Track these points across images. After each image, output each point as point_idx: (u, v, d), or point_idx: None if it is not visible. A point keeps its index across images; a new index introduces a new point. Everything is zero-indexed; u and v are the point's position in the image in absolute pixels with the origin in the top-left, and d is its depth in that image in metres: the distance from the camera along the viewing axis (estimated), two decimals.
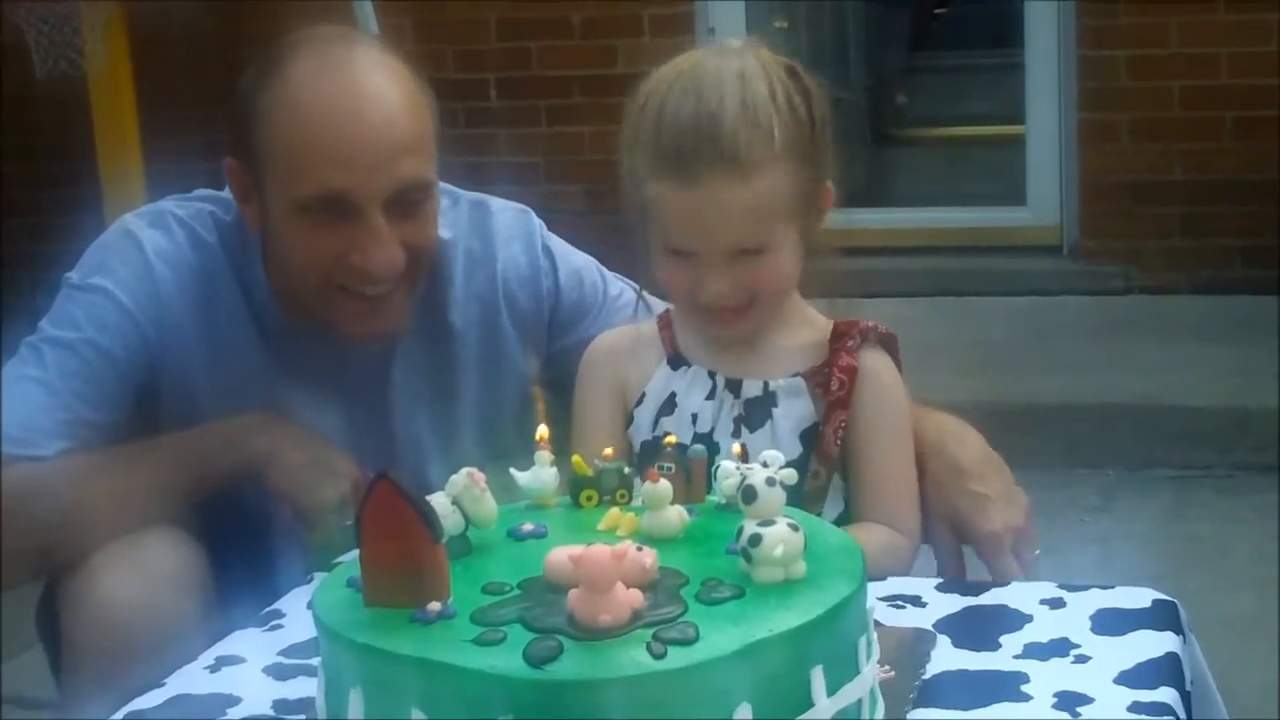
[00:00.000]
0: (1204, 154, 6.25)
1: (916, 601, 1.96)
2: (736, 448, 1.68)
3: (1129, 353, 5.65)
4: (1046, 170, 6.63)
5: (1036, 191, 6.68)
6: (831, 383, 2.15)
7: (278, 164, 2.26)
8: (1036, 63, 6.62)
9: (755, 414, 2.16)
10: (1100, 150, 6.39)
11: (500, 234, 2.54)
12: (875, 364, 2.19)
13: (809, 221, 2.14)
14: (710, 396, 2.18)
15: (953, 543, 2.27)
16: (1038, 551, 2.26)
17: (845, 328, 2.19)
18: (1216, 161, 6.23)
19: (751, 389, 2.17)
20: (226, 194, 2.44)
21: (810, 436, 2.15)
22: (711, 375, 2.19)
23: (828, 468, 2.15)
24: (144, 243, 2.37)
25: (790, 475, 1.55)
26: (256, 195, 2.31)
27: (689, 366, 2.21)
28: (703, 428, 2.16)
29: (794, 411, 2.16)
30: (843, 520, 2.14)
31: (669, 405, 2.20)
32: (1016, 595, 1.95)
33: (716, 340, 2.19)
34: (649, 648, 1.36)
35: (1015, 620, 1.88)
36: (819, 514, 2.12)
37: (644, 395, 2.22)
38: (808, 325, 2.22)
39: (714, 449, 2.06)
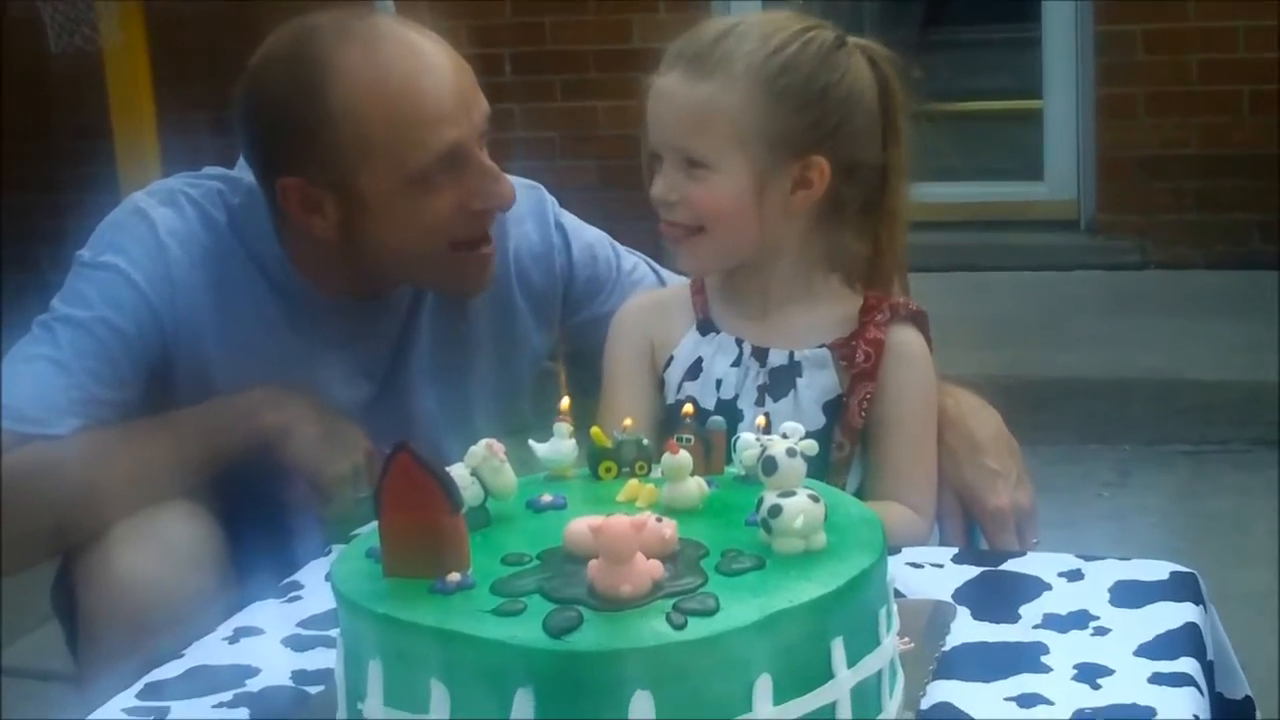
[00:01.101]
0: (1221, 128, 6.22)
1: (935, 564, 1.97)
2: (760, 419, 1.67)
3: (1145, 328, 5.64)
4: (1063, 145, 6.60)
5: (1053, 166, 6.66)
6: (857, 355, 2.15)
7: (375, 149, 2.23)
8: (1053, 37, 6.59)
9: (779, 383, 2.16)
10: (1117, 125, 6.36)
11: (512, 211, 2.53)
12: (905, 340, 2.18)
13: (781, 178, 2.11)
14: (736, 364, 2.18)
15: (959, 515, 2.27)
16: (1037, 540, 2.26)
17: (875, 302, 2.19)
18: (1234, 136, 6.20)
19: (777, 358, 2.17)
20: (235, 172, 2.43)
21: (834, 408, 2.15)
22: (739, 343, 2.19)
23: (852, 439, 2.15)
24: (155, 221, 2.37)
25: (811, 446, 1.54)
26: (336, 200, 2.28)
27: (718, 333, 2.21)
28: (726, 394, 2.16)
29: (818, 382, 2.16)
30: (861, 492, 2.14)
31: (695, 370, 2.20)
32: (1034, 565, 1.95)
33: (681, 267, 2.22)
34: (669, 618, 1.36)
35: (1034, 589, 1.88)
36: (844, 485, 2.12)
37: (672, 358, 2.22)
38: (838, 300, 2.22)
39: (737, 416, 2.09)
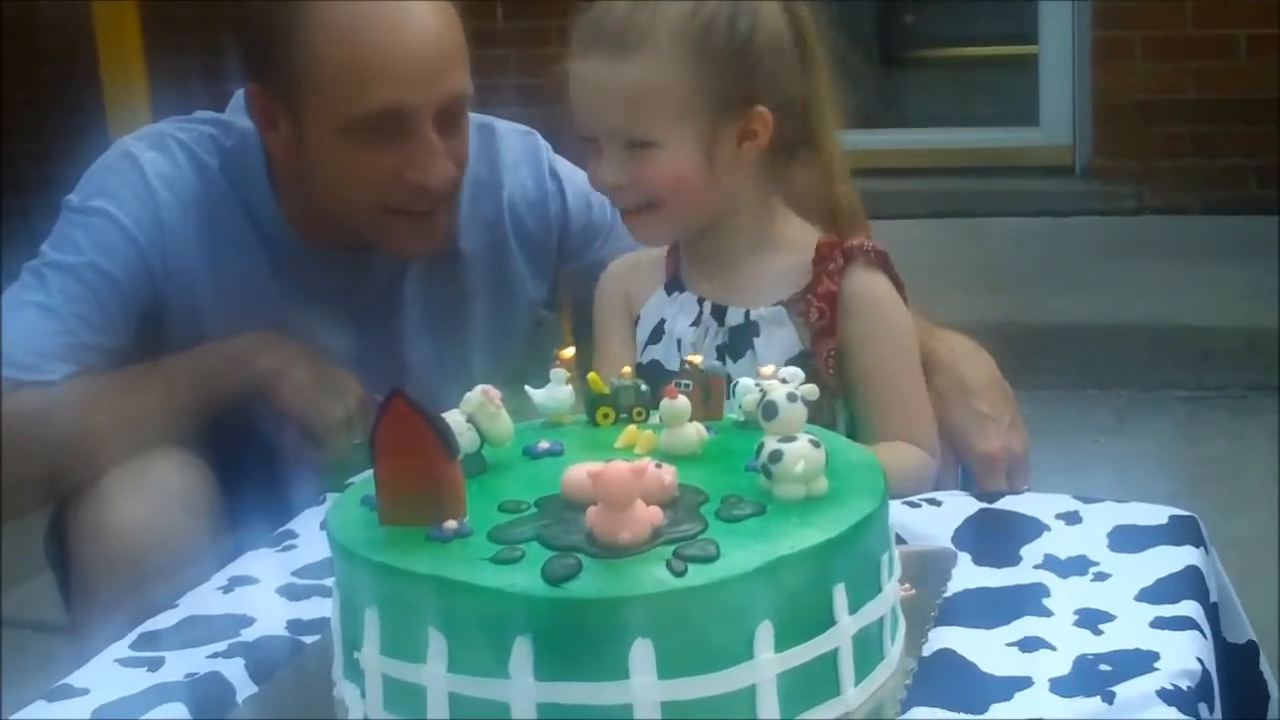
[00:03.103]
0: (1217, 72, 6.19)
1: (932, 502, 1.96)
2: (767, 369, 1.64)
3: (1141, 273, 5.62)
4: (1058, 90, 6.57)
5: (1048, 112, 6.63)
6: (811, 312, 2.11)
7: (322, 85, 2.22)
8: None
9: (738, 342, 2.14)
10: (1113, 69, 6.33)
11: (507, 158, 2.52)
12: (864, 285, 2.13)
13: (726, 136, 2.07)
14: (695, 323, 2.16)
15: (950, 458, 2.27)
16: (1028, 486, 2.25)
17: (827, 250, 2.13)
18: (1230, 80, 6.18)
19: (735, 317, 2.14)
20: (226, 116, 2.41)
21: (796, 365, 2.10)
22: (700, 302, 2.17)
23: (829, 399, 2.11)
24: (145, 165, 2.35)
25: (811, 390, 1.53)
26: (288, 120, 2.27)
27: (682, 292, 2.19)
28: (687, 353, 2.13)
29: (777, 340, 2.12)
30: None
31: (658, 331, 2.18)
32: (1032, 505, 1.94)
33: (639, 242, 2.19)
34: (669, 565, 1.34)
35: (1033, 530, 1.87)
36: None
37: (640, 316, 2.21)
38: (794, 247, 2.17)
39: None
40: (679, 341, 2.15)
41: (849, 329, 2.12)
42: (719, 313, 2.15)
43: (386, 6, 2.24)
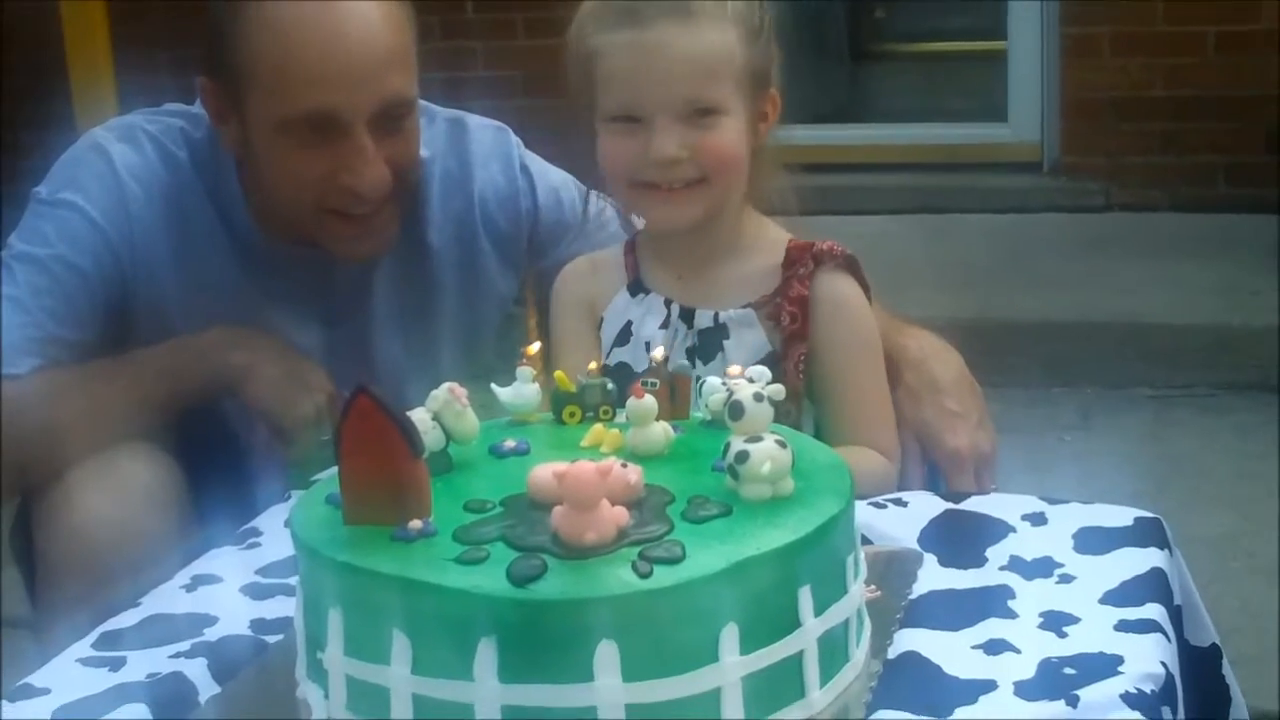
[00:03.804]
0: (1187, 69, 6.20)
1: (898, 502, 1.96)
2: (734, 369, 1.64)
3: (1109, 270, 5.63)
4: (1028, 86, 6.57)
5: (1017, 108, 6.63)
6: (783, 316, 2.12)
7: (260, 84, 2.22)
8: None
9: (707, 345, 2.14)
10: (1082, 65, 6.33)
11: (478, 153, 2.51)
12: (833, 288, 2.14)
13: (756, 115, 2.10)
14: (664, 325, 2.16)
15: (917, 456, 2.27)
16: (995, 485, 2.26)
17: (797, 253, 2.14)
18: (1200, 77, 6.18)
19: (704, 319, 2.14)
20: (196, 109, 2.41)
21: (766, 365, 2.10)
22: (667, 304, 2.16)
23: (797, 403, 2.11)
24: (114, 157, 2.34)
25: (778, 390, 1.52)
26: (235, 115, 2.28)
27: (647, 294, 2.18)
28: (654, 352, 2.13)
29: (746, 342, 2.13)
30: None
31: (625, 334, 2.17)
32: (997, 506, 1.95)
33: (658, 226, 2.13)
34: (635, 566, 1.34)
35: (999, 531, 1.87)
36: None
37: (603, 319, 2.20)
38: (763, 249, 2.17)
39: None
40: (647, 344, 2.14)
41: (816, 332, 2.12)
42: (687, 315, 2.15)
43: (327, 7, 2.23)
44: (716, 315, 2.13)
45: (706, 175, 2.07)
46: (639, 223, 2.15)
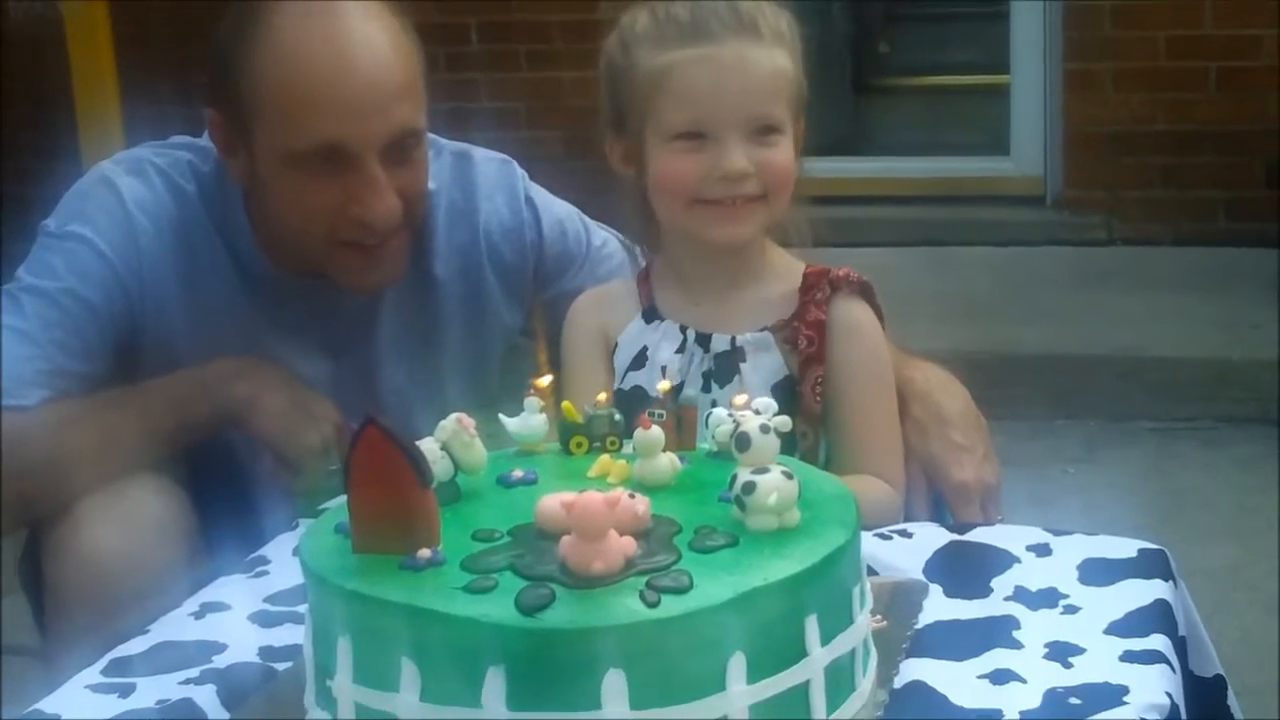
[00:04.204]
0: (1188, 104, 6.22)
1: (903, 534, 1.97)
2: (739, 399, 1.65)
3: (1111, 304, 5.64)
4: (1030, 120, 6.59)
5: (1020, 141, 6.65)
6: (800, 339, 2.13)
7: (269, 116, 2.22)
8: (1021, 12, 6.57)
9: (724, 369, 2.14)
10: (1084, 100, 6.36)
11: (483, 185, 2.52)
12: (848, 314, 2.16)
13: (797, 137, 2.13)
14: (680, 350, 2.17)
15: (923, 488, 2.27)
16: (1001, 517, 2.26)
17: (814, 278, 2.17)
18: (1201, 112, 6.20)
19: (720, 343, 2.15)
20: (204, 142, 2.41)
21: (782, 389, 2.12)
22: (683, 330, 2.17)
23: (814, 426, 2.13)
24: (123, 191, 2.35)
25: (784, 422, 1.54)
26: (243, 148, 2.28)
27: (662, 321, 2.19)
28: (672, 380, 2.13)
29: (763, 365, 2.14)
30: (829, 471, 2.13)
31: (640, 358, 2.18)
32: (1002, 537, 1.95)
33: (719, 242, 2.14)
34: (642, 596, 1.35)
35: (1003, 562, 1.88)
36: None
37: (617, 345, 2.21)
38: (780, 275, 2.19)
39: None
40: (663, 369, 2.15)
41: (830, 356, 2.13)
42: (703, 340, 2.16)
43: (335, 39, 2.23)
44: (733, 339, 2.14)
45: (766, 192, 2.10)
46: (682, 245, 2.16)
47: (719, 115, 2.07)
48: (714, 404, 2.04)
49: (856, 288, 2.17)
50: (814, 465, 2.11)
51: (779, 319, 2.15)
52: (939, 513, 2.28)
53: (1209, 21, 6.16)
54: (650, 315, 2.20)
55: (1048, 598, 1.78)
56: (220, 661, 1.74)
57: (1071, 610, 1.75)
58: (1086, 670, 1.61)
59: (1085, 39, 6.32)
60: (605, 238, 2.59)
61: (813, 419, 2.13)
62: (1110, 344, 5.32)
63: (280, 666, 1.71)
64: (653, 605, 1.34)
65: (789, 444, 2.00)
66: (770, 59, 2.08)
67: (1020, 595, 1.78)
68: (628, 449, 1.67)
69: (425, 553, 1.44)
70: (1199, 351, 5.20)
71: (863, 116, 8.07)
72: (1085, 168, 6.42)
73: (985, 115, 7.08)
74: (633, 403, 2.01)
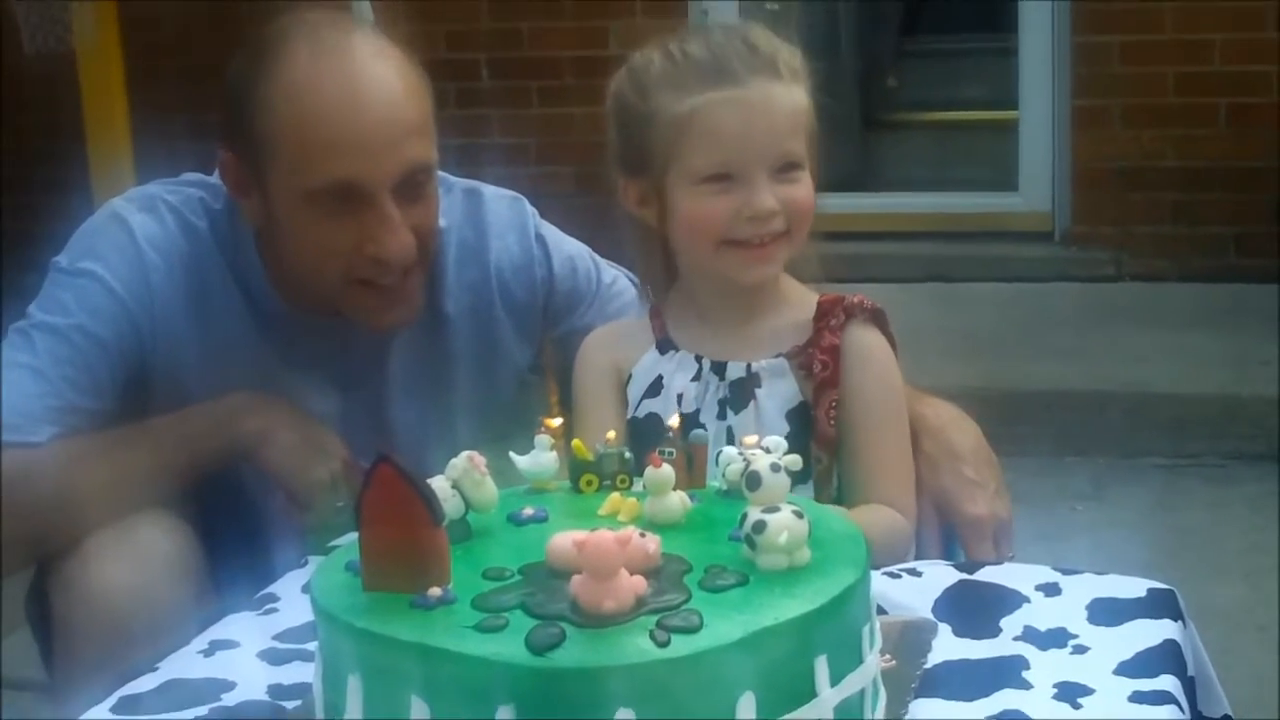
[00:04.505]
0: (1197, 141, 6.23)
1: (912, 572, 1.96)
2: (750, 439, 1.66)
3: (1120, 340, 5.64)
4: (1038, 156, 6.60)
5: (1028, 177, 6.66)
6: (814, 364, 2.14)
7: (282, 156, 2.23)
8: (1030, 48, 6.59)
9: (739, 395, 2.15)
10: (1093, 136, 6.37)
11: (493, 223, 2.53)
12: (862, 340, 2.17)
13: (814, 171, 2.15)
14: (696, 378, 2.18)
15: (935, 523, 2.28)
16: (1013, 554, 2.26)
17: (829, 306, 2.18)
18: (1210, 148, 6.22)
19: (735, 370, 2.16)
20: (216, 179, 2.42)
21: (797, 416, 2.14)
22: (698, 359, 2.18)
23: (829, 451, 2.14)
24: (134, 228, 2.35)
25: (795, 461, 1.54)
26: (257, 188, 2.29)
27: (676, 351, 2.20)
28: (688, 408, 2.16)
29: (778, 391, 2.15)
30: (837, 499, 2.14)
31: (655, 387, 2.19)
32: (1011, 576, 1.95)
33: (749, 282, 2.16)
34: (653, 635, 1.35)
35: (1013, 601, 1.87)
36: (829, 497, 2.12)
37: (631, 376, 2.21)
38: (794, 305, 2.21)
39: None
40: (679, 396, 2.16)
41: (845, 382, 2.15)
42: (719, 368, 2.17)
43: (347, 77, 2.24)
44: (749, 366, 2.15)
45: (790, 229, 2.12)
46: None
47: (747, 156, 2.08)
48: (730, 430, 2.09)
49: (870, 315, 2.19)
50: (828, 489, 2.14)
51: (794, 345, 2.16)
52: (950, 548, 2.28)
53: (1217, 58, 6.18)
54: (665, 346, 2.21)
55: (1057, 638, 1.78)
56: (229, 699, 1.73)
57: (1081, 650, 1.75)
58: (1096, 711, 1.60)
59: (1094, 75, 6.34)
60: (615, 275, 2.59)
61: (828, 443, 2.14)
62: (1118, 380, 5.31)
63: (290, 705, 1.71)
64: (663, 645, 1.34)
65: (803, 469, 2.03)
66: (790, 97, 2.10)
67: (1029, 635, 1.78)
68: (638, 487, 1.67)
69: (436, 591, 1.44)
70: (1207, 388, 5.20)
71: (871, 152, 8.08)
72: (1094, 204, 6.43)
73: (994, 151, 7.09)
74: (647, 430, 2.06)
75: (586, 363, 2.27)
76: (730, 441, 2.05)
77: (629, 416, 2.19)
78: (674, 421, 1.74)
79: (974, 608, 1.86)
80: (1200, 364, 5.36)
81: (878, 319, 2.20)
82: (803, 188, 2.12)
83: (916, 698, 1.63)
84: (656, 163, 2.12)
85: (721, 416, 2.15)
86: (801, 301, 2.21)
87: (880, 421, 2.17)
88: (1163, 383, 5.26)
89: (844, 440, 2.16)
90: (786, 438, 2.06)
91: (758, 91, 2.08)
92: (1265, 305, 5.71)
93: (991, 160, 7.13)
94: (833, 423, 2.13)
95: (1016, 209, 6.70)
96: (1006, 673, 1.69)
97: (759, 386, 2.15)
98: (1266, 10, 6.11)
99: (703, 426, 2.09)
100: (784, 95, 2.09)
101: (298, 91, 2.22)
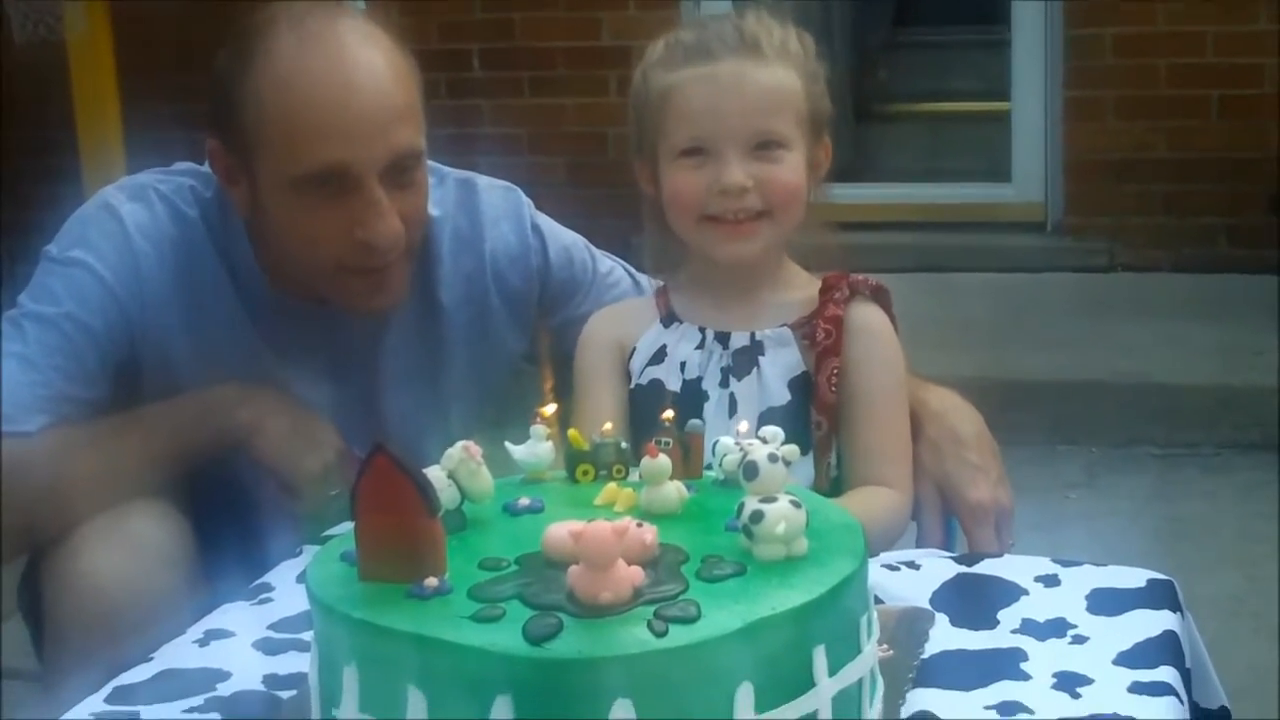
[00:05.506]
0: (1189, 132, 6.23)
1: (911, 565, 1.96)
2: (742, 425, 1.65)
3: (1113, 330, 5.64)
4: (1031, 147, 6.60)
5: (1021, 168, 6.66)
6: (818, 333, 2.16)
7: (270, 143, 2.22)
8: (1022, 39, 6.59)
9: (742, 363, 2.17)
10: (1085, 128, 6.37)
11: (488, 213, 2.52)
12: (865, 316, 2.20)
13: (813, 158, 2.17)
14: (699, 346, 2.20)
15: (937, 508, 2.28)
16: (1014, 541, 2.27)
17: (834, 281, 2.21)
18: (1202, 139, 6.22)
19: (739, 340, 2.18)
20: (206, 168, 2.41)
21: (799, 385, 2.16)
22: (701, 330, 2.20)
23: (829, 417, 2.15)
24: (124, 217, 2.35)
25: (793, 451, 1.53)
26: (245, 176, 2.28)
27: (681, 323, 2.22)
28: (691, 375, 2.18)
29: (781, 360, 2.17)
30: (836, 467, 2.18)
31: (659, 355, 2.21)
32: (1010, 568, 1.95)
33: (725, 259, 2.18)
34: (650, 625, 1.34)
35: (1011, 594, 1.87)
36: (828, 465, 2.15)
37: (635, 350, 2.23)
38: (799, 284, 2.24)
39: (702, 396, 2.14)
40: (683, 364, 2.18)
41: (846, 356, 2.16)
42: (722, 337, 2.19)
43: (337, 64, 2.24)
44: (752, 334, 2.18)
45: (770, 208, 2.13)
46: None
47: (717, 131, 2.12)
48: (732, 397, 2.12)
49: (874, 292, 2.22)
50: (827, 458, 2.16)
51: (799, 317, 2.19)
52: (951, 536, 2.28)
53: (1210, 49, 6.18)
54: (669, 320, 2.24)
55: (1056, 628, 1.78)
56: (224, 689, 1.73)
57: (1080, 640, 1.75)
58: (1094, 701, 1.60)
59: (1086, 66, 6.33)
60: (612, 266, 2.59)
61: (828, 409, 2.15)
62: (1112, 370, 5.32)
63: (285, 695, 1.71)
64: (660, 635, 1.33)
65: (803, 436, 2.06)
66: (771, 75, 2.13)
67: (1027, 627, 1.78)
68: (634, 476, 1.67)
69: (432, 581, 1.43)
70: (1201, 378, 5.20)
71: (864, 143, 8.07)
72: (1086, 194, 6.43)
73: (986, 142, 7.09)
74: (650, 397, 2.10)
75: (590, 339, 2.28)
76: (733, 410, 2.11)
77: (632, 385, 2.21)
78: (668, 414, 1.73)
79: (972, 601, 1.86)
80: (1193, 354, 5.36)
81: (880, 297, 2.23)
82: (783, 168, 2.13)
83: (914, 687, 1.62)
84: (649, 139, 2.18)
85: (724, 384, 2.17)
86: (807, 281, 2.24)
87: (880, 395, 2.19)
88: (1156, 372, 5.27)
89: (843, 412, 2.17)
90: (788, 406, 2.12)
91: (730, 68, 2.12)
92: (1258, 296, 5.72)
93: (984, 151, 7.12)
94: (834, 389, 2.15)
95: (1009, 200, 6.69)
96: (1005, 663, 1.69)
97: (762, 355, 2.17)
98: (1258, 2, 6.11)
99: (705, 394, 2.14)
100: (761, 73, 2.12)
101: (284, 78, 2.21)
